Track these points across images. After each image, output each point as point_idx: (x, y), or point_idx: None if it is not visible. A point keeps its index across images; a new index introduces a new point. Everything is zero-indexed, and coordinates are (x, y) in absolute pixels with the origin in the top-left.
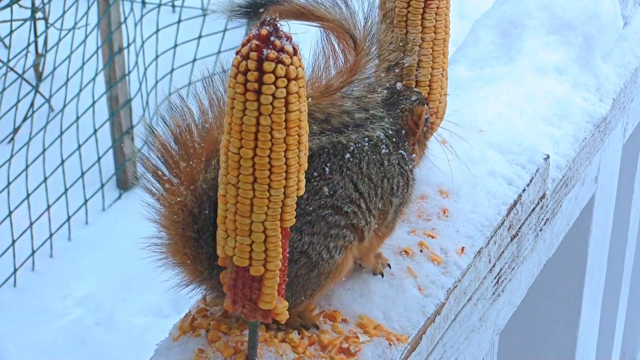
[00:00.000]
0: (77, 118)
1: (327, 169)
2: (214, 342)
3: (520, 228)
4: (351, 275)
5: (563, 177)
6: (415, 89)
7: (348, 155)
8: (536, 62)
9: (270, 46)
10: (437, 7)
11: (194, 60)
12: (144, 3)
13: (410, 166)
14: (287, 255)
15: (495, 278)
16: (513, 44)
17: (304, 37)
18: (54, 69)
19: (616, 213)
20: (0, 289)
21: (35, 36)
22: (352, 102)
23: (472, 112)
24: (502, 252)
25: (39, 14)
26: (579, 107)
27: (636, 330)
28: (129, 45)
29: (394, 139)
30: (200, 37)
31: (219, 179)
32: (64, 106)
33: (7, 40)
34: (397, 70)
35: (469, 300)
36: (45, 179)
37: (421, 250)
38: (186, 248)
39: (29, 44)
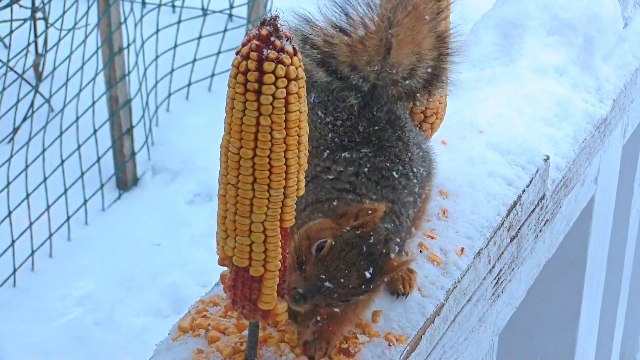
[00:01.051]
0: (77, 118)
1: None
2: (214, 342)
3: (519, 229)
4: None
5: (563, 178)
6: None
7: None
8: (536, 63)
9: (271, 46)
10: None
11: (194, 60)
12: (144, 3)
13: None
14: (287, 255)
15: (494, 279)
16: (513, 45)
17: None
18: (54, 69)
19: (616, 214)
20: None
21: (35, 36)
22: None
23: (472, 113)
24: (502, 253)
25: (38, 14)
26: (579, 108)
27: (636, 331)
28: (129, 45)
29: None
30: (200, 37)
31: (218, 179)
32: (64, 106)
33: (7, 40)
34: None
35: (468, 301)
36: (45, 179)
37: (421, 251)
38: None
39: (28, 44)
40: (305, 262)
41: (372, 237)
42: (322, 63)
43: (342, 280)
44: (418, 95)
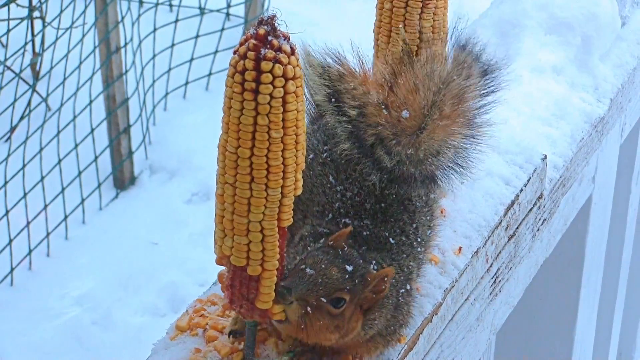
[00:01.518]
0: (74, 117)
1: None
2: (211, 341)
3: (517, 228)
4: None
5: (560, 177)
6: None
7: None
8: (534, 62)
9: (268, 45)
10: (435, 7)
11: (192, 59)
12: (141, 2)
13: None
14: (284, 254)
15: (492, 278)
16: (511, 44)
17: (302, 36)
18: (51, 68)
19: (613, 213)
20: None
21: (32, 35)
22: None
23: None
24: (500, 252)
25: (36, 13)
26: (577, 107)
27: (633, 330)
28: (126, 44)
29: None
30: (197, 36)
31: (215, 178)
32: (61, 105)
33: (4, 39)
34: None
35: (466, 300)
36: (42, 178)
37: None
38: None
39: (26, 43)
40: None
41: (345, 247)
42: (350, 134)
43: (322, 266)
44: (438, 180)
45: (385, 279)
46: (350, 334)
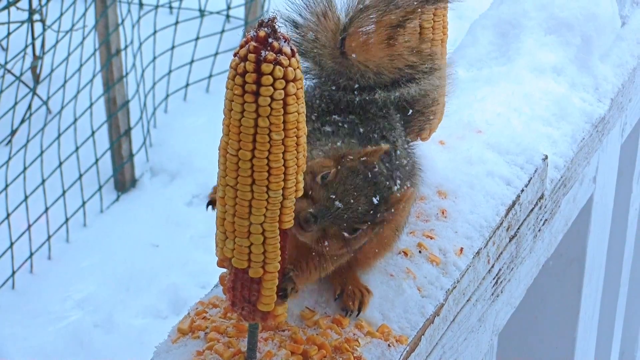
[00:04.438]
0: (75, 120)
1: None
2: (213, 344)
3: (518, 228)
4: None
5: (561, 177)
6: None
7: None
8: (534, 62)
9: (268, 48)
10: (434, 8)
11: (192, 61)
12: (141, 4)
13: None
14: (286, 256)
15: (494, 279)
16: (511, 45)
17: None
18: (52, 71)
19: (615, 213)
20: None
21: (33, 38)
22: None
23: (470, 113)
24: (501, 253)
25: (36, 16)
26: (577, 108)
27: (635, 329)
28: (126, 47)
29: None
30: (197, 38)
31: (217, 181)
32: (62, 108)
33: (4, 43)
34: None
35: (467, 301)
36: (43, 181)
37: (420, 251)
38: None
39: (26, 46)
40: (311, 191)
41: (376, 166)
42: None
43: (351, 201)
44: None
45: (406, 199)
46: (355, 247)
